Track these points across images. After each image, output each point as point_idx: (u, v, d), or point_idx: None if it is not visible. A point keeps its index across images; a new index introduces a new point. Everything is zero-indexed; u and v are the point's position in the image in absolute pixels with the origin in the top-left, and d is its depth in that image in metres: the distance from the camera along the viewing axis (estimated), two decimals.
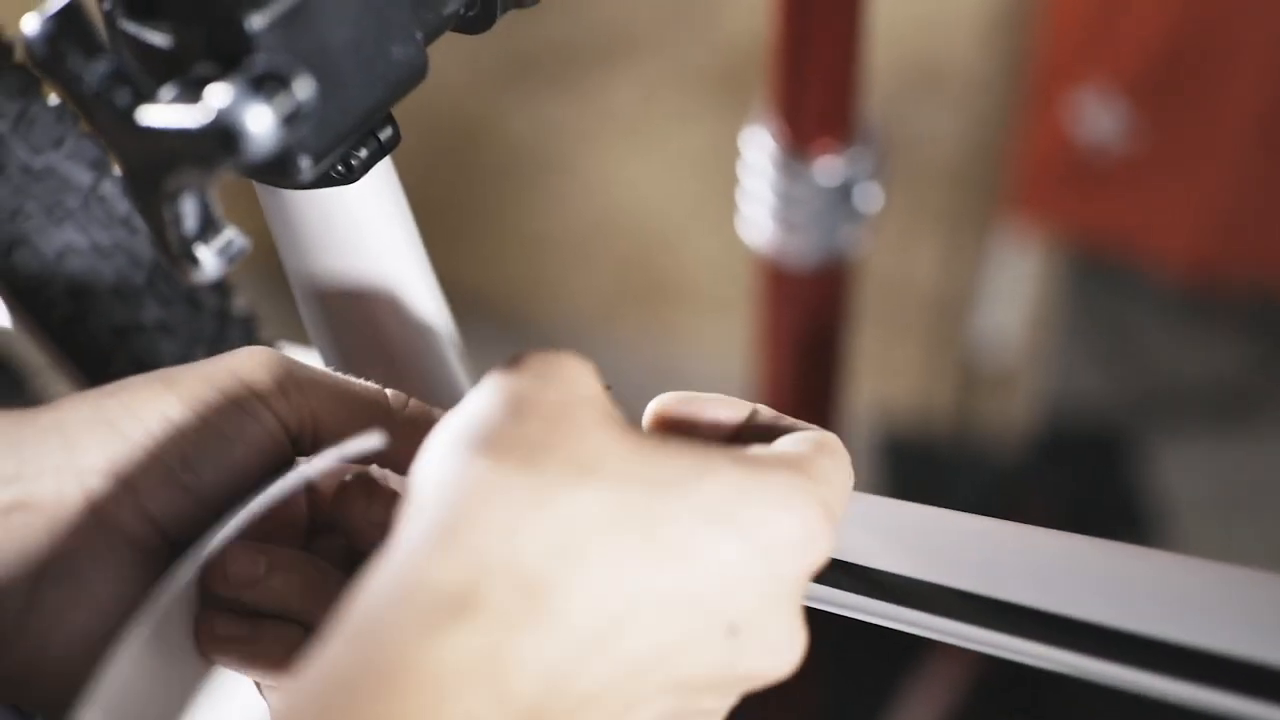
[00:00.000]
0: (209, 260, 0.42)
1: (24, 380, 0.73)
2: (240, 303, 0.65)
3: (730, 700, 0.43)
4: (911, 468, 1.88)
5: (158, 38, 0.42)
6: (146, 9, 0.42)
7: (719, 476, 0.41)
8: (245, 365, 0.46)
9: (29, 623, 0.43)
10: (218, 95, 0.38)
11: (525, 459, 0.39)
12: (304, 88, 0.39)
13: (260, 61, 0.39)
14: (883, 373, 1.88)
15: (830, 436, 0.45)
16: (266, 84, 0.39)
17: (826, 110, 0.78)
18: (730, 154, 0.95)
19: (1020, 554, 0.48)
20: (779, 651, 0.42)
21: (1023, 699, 1.64)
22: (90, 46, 0.40)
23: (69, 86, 0.40)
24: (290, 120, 0.39)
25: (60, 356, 0.60)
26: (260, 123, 0.38)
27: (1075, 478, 1.86)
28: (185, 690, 0.46)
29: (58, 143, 0.58)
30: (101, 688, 0.39)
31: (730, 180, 0.88)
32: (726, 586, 0.40)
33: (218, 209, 0.42)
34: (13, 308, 0.60)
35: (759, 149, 0.81)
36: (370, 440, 0.45)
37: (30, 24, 0.40)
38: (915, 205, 1.72)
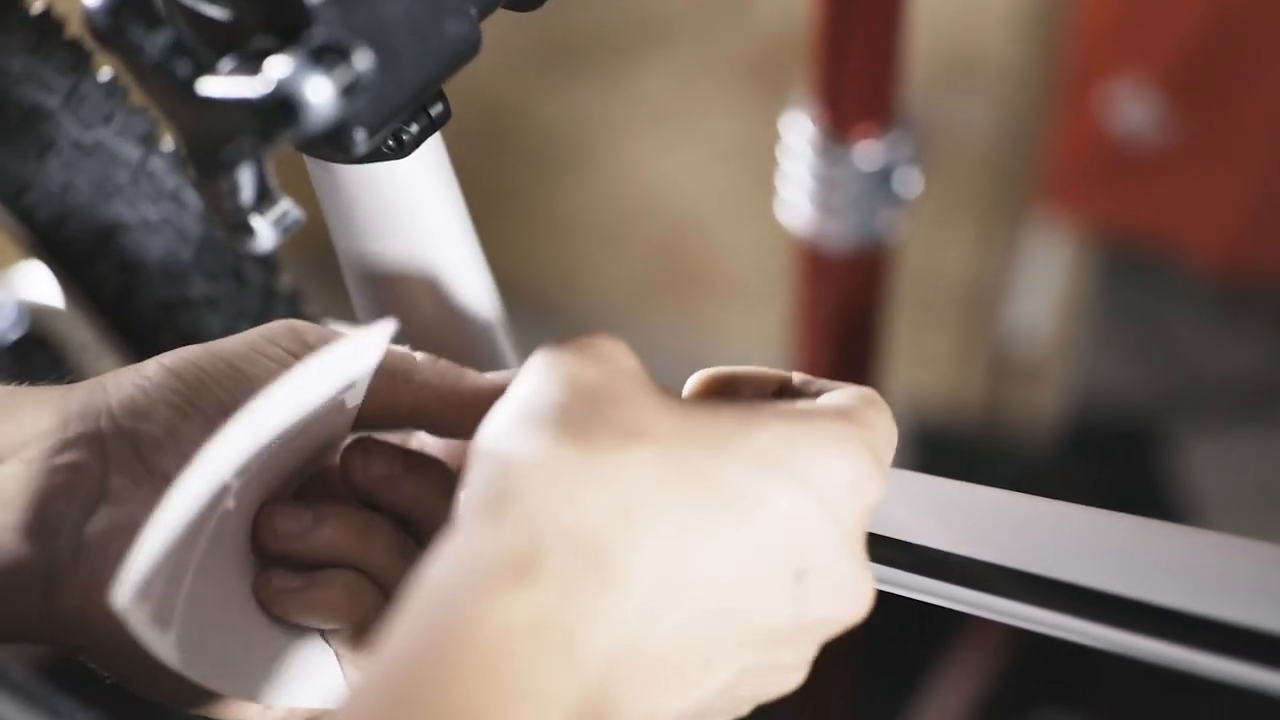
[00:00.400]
0: (264, 230, 0.43)
1: (63, 358, 0.74)
2: (285, 279, 0.65)
3: (808, 651, 0.44)
4: (941, 458, 1.88)
5: (216, 10, 0.42)
6: None
7: (767, 428, 0.42)
8: (278, 331, 0.48)
9: (80, 561, 0.43)
10: (278, 67, 0.39)
11: (577, 430, 0.40)
12: (363, 60, 0.40)
13: (319, 34, 0.40)
14: (914, 361, 1.88)
15: (870, 390, 0.46)
16: (326, 56, 0.39)
17: (867, 95, 0.78)
18: (763, 143, 0.95)
19: (1053, 529, 0.48)
20: (848, 594, 0.43)
21: (1056, 674, 1.64)
22: (150, 18, 0.41)
23: (130, 58, 0.40)
24: (348, 92, 0.39)
25: (108, 332, 0.61)
26: (320, 93, 0.39)
27: (1104, 471, 1.86)
28: (251, 635, 0.46)
29: (107, 118, 0.59)
30: (137, 562, 0.40)
31: (763, 169, 0.88)
32: (787, 533, 0.41)
33: (274, 180, 0.43)
34: (63, 283, 0.60)
35: (799, 133, 0.81)
36: (385, 328, 0.45)
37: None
38: (949, 195, 1.72)
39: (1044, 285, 1.73)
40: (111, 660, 0.45)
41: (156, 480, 0.44)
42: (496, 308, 0.55)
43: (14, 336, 0.76)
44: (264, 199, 0.42)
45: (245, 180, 0.42)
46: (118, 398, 0.45)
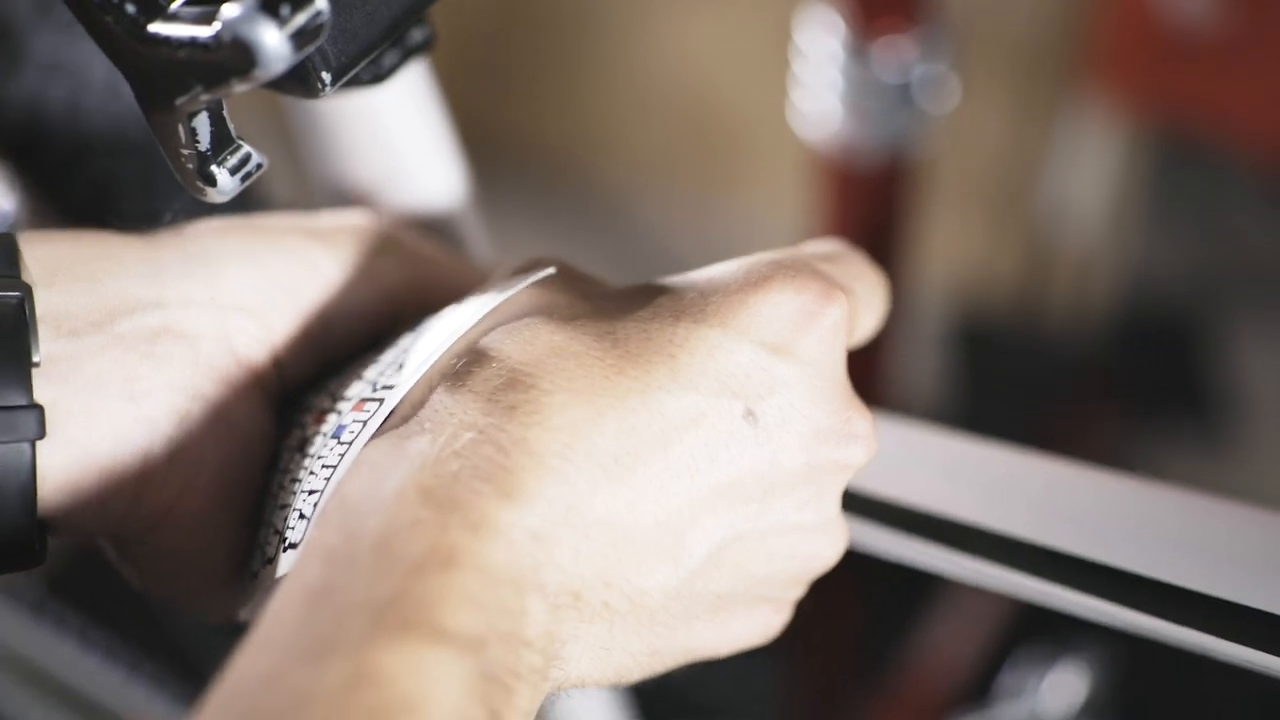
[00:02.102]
0: (225, 180, 0.40)
1: None
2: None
3: (814, 506, 0.42)
4: (980, 351, 1.85)
5: None
6: None
7: (690, 285, 0.41)
8: (375, 225, 0.46)
9: (171, 461, 0.41)
10: (229, 8, 0.36)
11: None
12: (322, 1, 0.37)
13: None
14: (950, 252, 1.85)
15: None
16: None
17: None
18: (792, 12, 0.91)
19: (1034, 486, 0.46)
20: (824, 428, 0.41)
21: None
22: None
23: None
24: (306, 35, 0.36)
25: None
26: (274, 37, 0.36)
27: (1150, 364, 1.83)
28: None
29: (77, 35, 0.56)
30: None
31: (788, 34, 0.84)
32: (724, 377, 0.39)
33: (232, 126, 0.40)
34: (37, 200, 0.58)
35: (824, 33, 0.77)
36: (545, 272, 0.43)
37: None
38: (986, 72, 1.67)
39: (1085, 169, 1.69)
40: (164, 568, 0.44)
41: (246, 376, 0.43)
42: (482, 239, 0.52)
43: None
44: (222, 145, 0.40)
45: (201, 127, 0.39)
46: (232, 299, 0.43)
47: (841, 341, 0.41)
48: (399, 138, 0.48)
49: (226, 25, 0.35)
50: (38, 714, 0.84)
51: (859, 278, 0.44)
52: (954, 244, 1.85)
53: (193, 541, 0.42)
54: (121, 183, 0.57)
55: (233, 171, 0.40)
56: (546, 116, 2.07)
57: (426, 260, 0.46)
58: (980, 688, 0.79)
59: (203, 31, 0.36)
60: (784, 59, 0.85)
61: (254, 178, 0.41)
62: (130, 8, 0.37)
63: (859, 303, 0.43)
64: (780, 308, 0.40)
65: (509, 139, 2.10)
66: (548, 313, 0.40)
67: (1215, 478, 1.72)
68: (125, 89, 0.56)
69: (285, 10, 0.36)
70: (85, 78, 0.56)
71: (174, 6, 0.37)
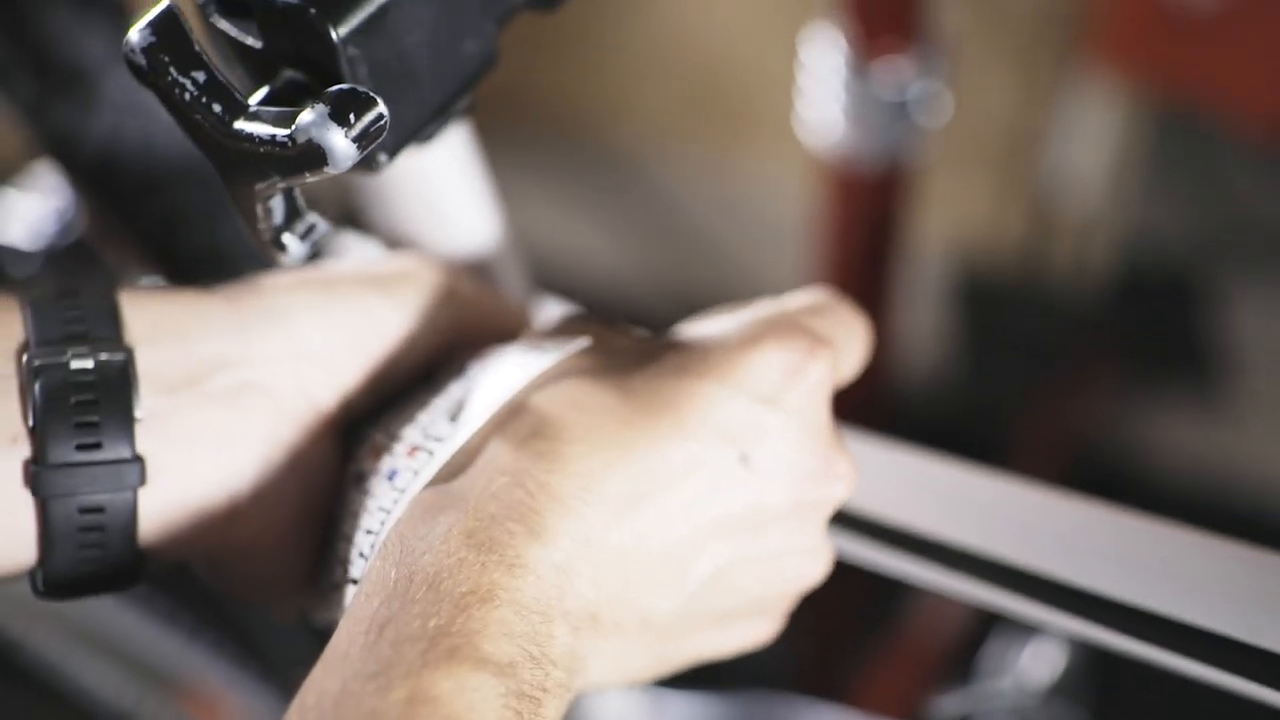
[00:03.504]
0: (295, 246, 0.46)
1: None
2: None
3: (804, 533, 0.48)
4: (981, 309, 1.89)
5: (249, 39, 0.45)
6: (239, 8, 0.45)
7: (688, 343, 0.48)
8: (429, 271, 0.51)
9: (254, 502, 0.47)
10: (305, 115, 0.41)
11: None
12: (380, 110, 0.42)
13: (340, 85, 0.42)
14: (954, 213, 1.88)
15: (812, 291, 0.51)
16: (345, 108, 0.41)
17: (897, 11, 0.78)
18: None
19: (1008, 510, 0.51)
20: (809, 470, 0.47)
21: None
22: (186, 57, 0.43)
23: (166, 95, 0.43)
24: (369, 135, 0.42)
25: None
26: (342, 143, 0.41)
27: (1148, 322, 1.86)
28: None
29: None
30: None
31: (805, 6, 0.88)
32: (722, 426, 0.45)
33: (301, 201, 0.46)
34: (114, 230, 0.64)
35: (826, 49, 0.82)
36: (580, 343, 0.49)
37: (132, 35, 0.43)
38: (991, 39, 1.69)
39: (1088, 136, 1.72)
40: (247, 586, 0.50)
41: (318, 419, 0.48)
42: (526, 283, 0.58)
43: (66, 242, 0.80)
44: (293, 218, 0.46)
45: (276, 205, 0.45)
46: (306, 350, 0.48)
47: (825, 391, 0.48)
48: (443, 187, 0.54)
49: (301, 129, 0.41)
50: (102, 679, 0.91)
51: (842, 325, 0.50)
52: (960, 208, 1.88)
53: (272, 564, 0.49)
54: (190, 214, 0.63)
55: (301, 238, 0.46)
56: (563, 80, 2.08)
57: (473, 303, 0.52)
58: (964, 658, 0.85)
59: (281, 132, 0.42)
60: (798, 23, 0.89)
61: (319, 240, 0.47)
62: (217, 107, 0.43)
63: (842, 350, 0.49)
64: (770, 364, 0.46)
65: (527, 102, 2.13)
66: (577, 369, 0.47)
67: (1210, 436, 1.76)
68: None
69: (352, 117, 0.41)
70: (156, 116, 0.61)
71: (254, 105, 0.43)
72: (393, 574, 0.41)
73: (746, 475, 0.46)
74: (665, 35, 1.95)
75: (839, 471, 0.48)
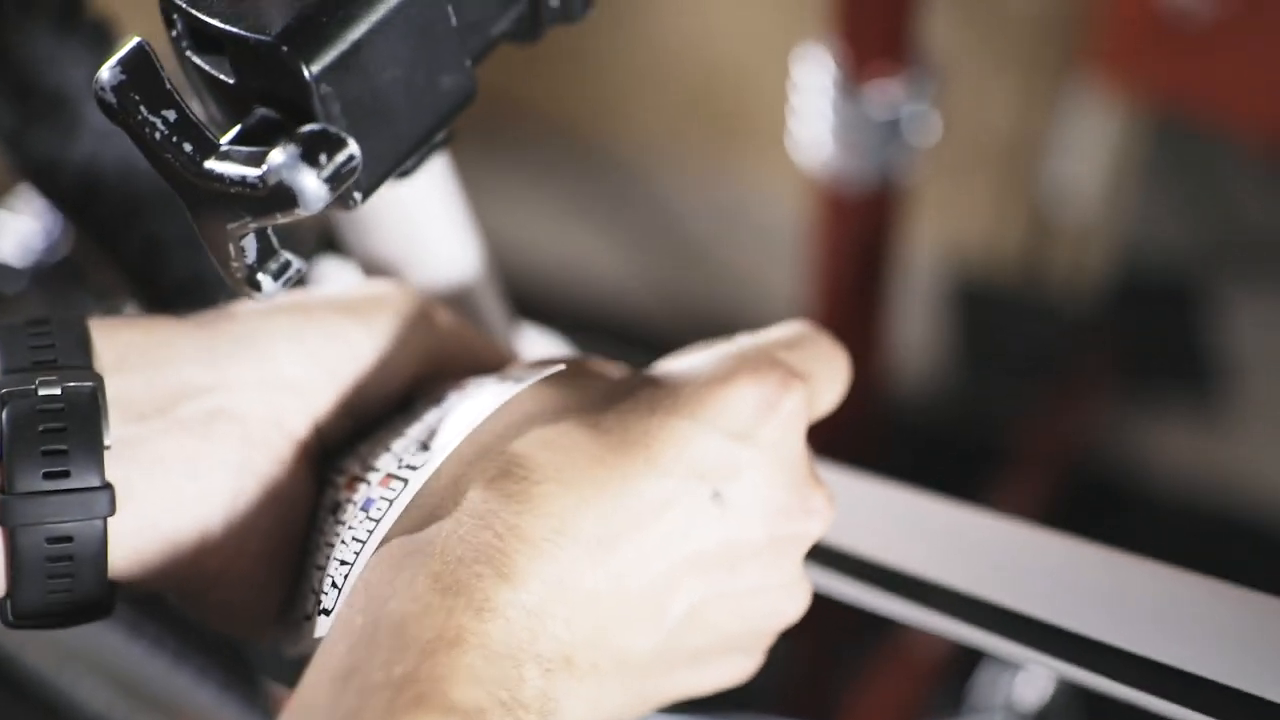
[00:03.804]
0: (268, 285, 0.46)
1: None
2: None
3: (781, 568, 0.47)
4: (979, 315, 1.89)
5: (222, 75, 0.45)
6: (213, 44, 0.45)
7: (661, 377, 0.47)
8: (405, 299, 0.51)
9: (226, 530, 0.47)
10: (275, 156, 0.41)
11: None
12: (352, 150, 0.42)
13: (312, 125, 0.42)
14: (953, 219, 1.88)
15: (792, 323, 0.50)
16: (316, 149, 0.41)
17: (887, 35, 0.78)
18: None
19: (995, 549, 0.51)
20: (785, 506, 0.47)
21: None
22: (157, 96, 0.43)
23: (138, 133, 0.43)
24: (341, 176, 0.42)
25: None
26: (310, 187, 0.41)
27: (1146, 329, 1.86)
28: None
29: None
30: None
31: (802, 15, 0.88)
32: (695, 463, 0.45)
33: (274, 240, 0.45)
34: (93, 257, 0.64)
35: (817, 71, 0.82)
36: (555, 368, 0.48)
37: (103, 72, 0.43)
38: (992, 48, 1.69)
39: (1087, 145, 1.72)
40: (220, 614, 0.50)
41: (290, 446, 0.48)
42: (504, 313, 0.58)
43: (54, 259, 0.80)
44: (266, 256, 0.45)
45: (249, 244, 0.45)
46: (279, 377, 0.48)
47: (799, 426, 0.47)
48: (421, 218, 0.54)
49: (272, 170, 0.41)
50: (92, 695, 0.91)
51: (819, 359, 0.49)
52: (960, 216, 1.88)
53: (245, 594, 0.48)
54: (171, 240, 0.62)
55: (274, 277, 0.46)
56: (561, 90, 2.08)
57: (449, 331, 0.52)
58: (956, 681, 0.84)
59: (251, 173, 0.41)
60: (797, 35, 0.89)
61: (293, 281, 0.47)
62: (187, 146, 0.43)
63: (819, 383, 0.49)
64: (743, 399, 0.46)
65: (524, 112, 2.13)
66: (550, 407, 0.46)
67: (1207, 443, 1.76)
68: None
69: (323, 158, 0.41)
70: None
71: (224, 145, 0.43)
72: (359, 620, 0.41)
73: (721, 512, 0.45)
74: (664, 46, 1.95)
75: (814, 507, 0.47)
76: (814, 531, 0.48)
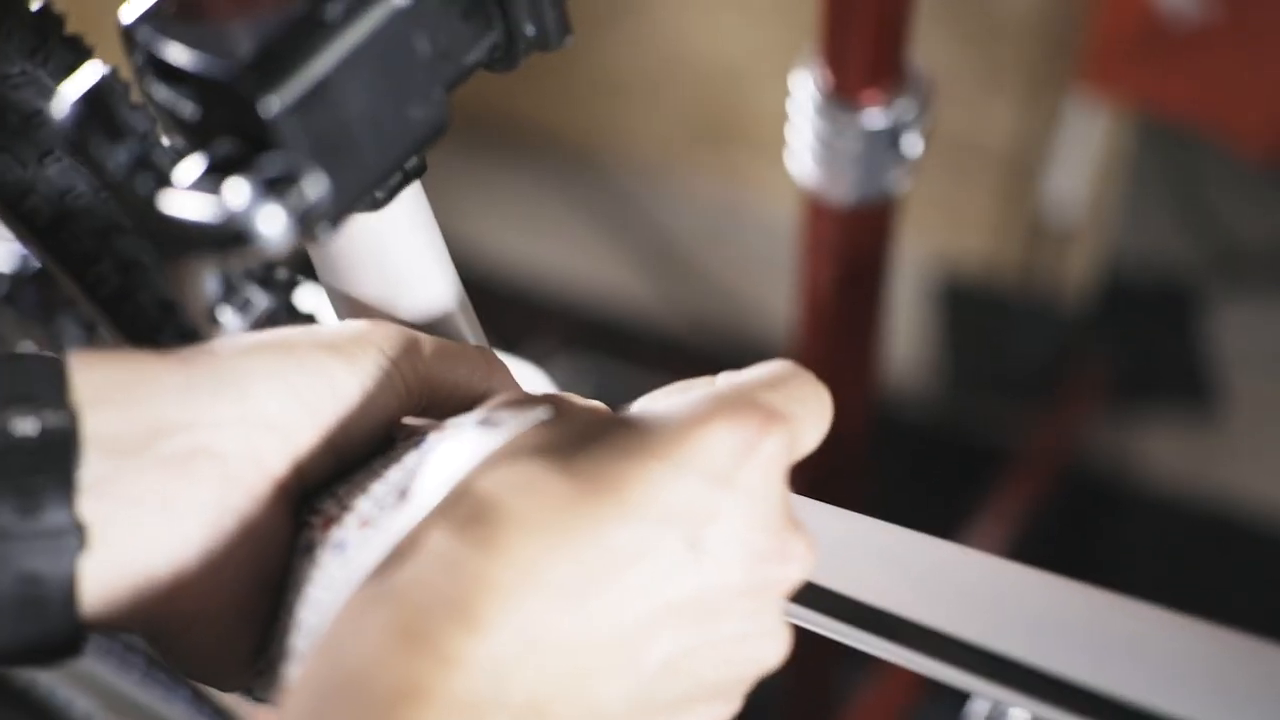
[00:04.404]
0: (231, 321, 0.45)
1: None
2: (282, 270, 0.67)
3: (760, 617, 0.46)
4: (975, 320, 1.89)
5: (184, 108, 0.44)
6: (176, 74, 0.44)
7: (636, 420, 0.45)
8: (388, 336, 0.50)
9: (202, 570, 0.46)
10: (232, 194, 0.40)
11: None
12: (315, 185, 0.41)
13: (274, 160, 0.41)
14: (951, 226, 1.88)
15: (774, 363, 0.49)
16: (278, 185, 0.40)
17: (873, 60, 0.77)
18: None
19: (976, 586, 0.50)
20: (765, 551, 0.45)
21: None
22: (114, 131, 0.42)
23: (95, 170, 0.42)
24: (304, 216, 0.41)
25: (110, 327, 0.63)
26: (272, 224, 0.40)
27: (1137, 333, 1.87)
28: None
29: None
30: None
31: (801, 26, 0.88)
32: (670, 509, 0.43)
33: (237, 276, 0.44)
34: (66, 281, 0.63)
35: (805, 94, 0.82)
36: (537, 415, 0.47)
37: (59, 107, 0.42)
38: (992, 61, 1.69)
39: (1082, 155, 1.72)
40: (194, 659, 0.49)
41: (269, 485, 0.47)
42: (481, 342, 0.57)
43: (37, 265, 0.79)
44: (229, 293, 0.44)
45: (210, 281, 0.44)
46: (259, 415, 0.47)
47: (779, 468, 0.46)
48: (393, 247, 0.53)
49: (231, 207, 0.40)
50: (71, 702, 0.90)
51: (801, 399, 0.48)
52: (957, 224, 1.88)
53: (219, 635, 0.47)
54: (146, 261, 0.61)
55: (238, 311, 0.45)
56: (565, 106, 2.09)
57: (433, 365, 0.51)
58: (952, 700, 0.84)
59: (209, 214, 0.40)
60: (796, 46, 0.89)
61: (257, 315, 0.46)
62: (146, 183, 0.42)
63: (800, 423, 0.47)
64: (721, 441, 0.44)
65: (520, 129, 2.13)
66: (521, 446, 0.45)
67: (1196, 448, 1.77)
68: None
69: (285, 194, 0.40)
70: None
71: (188, 178, 0.42)
72: (324, 672, 0.40)
73: (697, 558, 0.44)
74: (670, 64, 1.95)
75: (794, 552, 0.46)
76: (793, 576, 0.46)
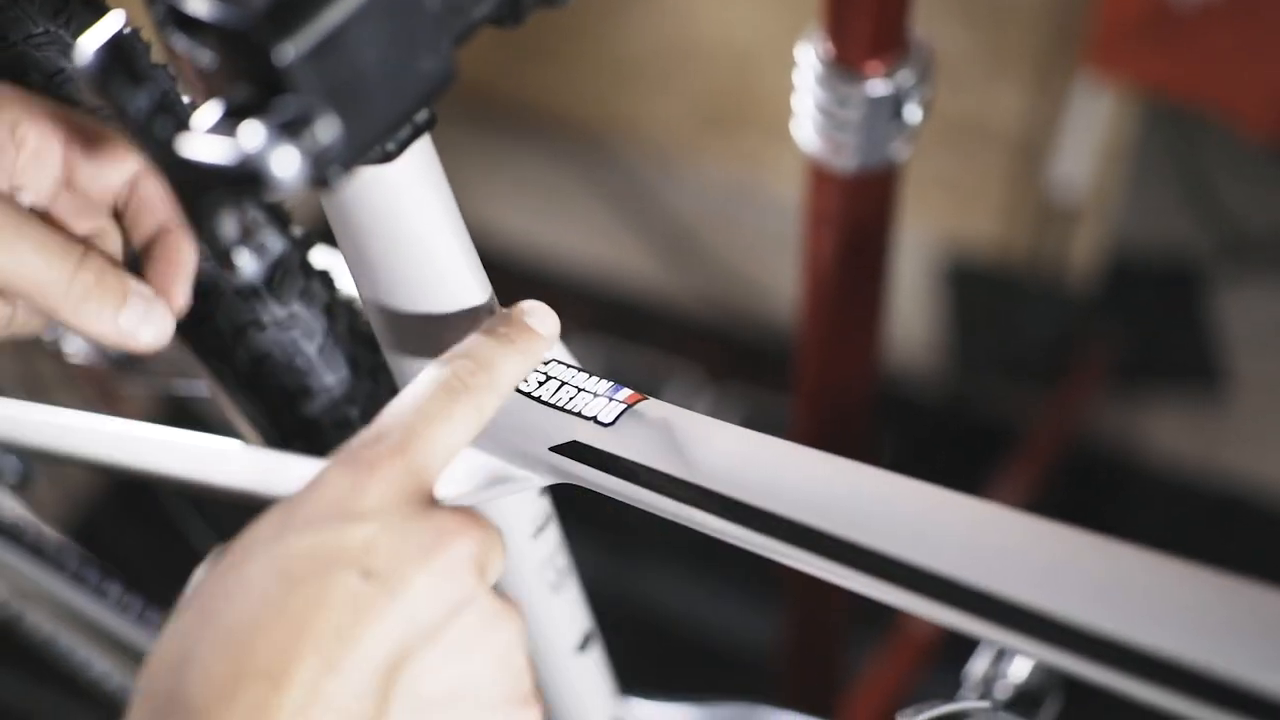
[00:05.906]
0: (247, 263, 0.46)
1: None
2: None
3: (443, 613, 0.46)
4: (982, 301, 1.90)
5: (202, 56, 0.45)
6: (194, 23, 0.45)
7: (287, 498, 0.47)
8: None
9: None
10: (247, 136, 0.42)
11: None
12: (328, 128, 0.43)
13: (288, 104, 0.43)
14: (957, 208, 1.89)
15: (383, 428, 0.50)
16: (292, 127, 0.42)
17: (875, 29, 0.79)
18: None
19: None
20: (410, 550, 0.46)
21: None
22: (135, 77, 0.44)
23: (117, 113, 0.44)
24: (316, 158, 0.42)
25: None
26: (287, 164, 0.42)
27: (1143, 314, 1.88)
28: None
29: None
30: None
31: (813, 12, 0.89)
32: (319, 560, 0.45)
33: (252, 218, 0.46)
34: None
35: (808, 63, 0.83)
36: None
37: (82, 52, 0.44)
38: (1001, 45, 1.70)
39: (1088, 137, 1.73)
40: None
41: None
42: (491, 303, 0.58)
43: None
44: (245, 235, 0.46)
45: (227, 223, 0.45)
46: None
47: (403, 484, 0.47)
48: (404, 201, 0.54)
49: (248, 150, 0.42)
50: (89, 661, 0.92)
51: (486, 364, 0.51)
52: (967, 200, 1.89)
53: None
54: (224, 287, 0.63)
55: (254, 253, 0.47)
56: (578, 90, 2.10)
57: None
58: (951, 668, 0.85)
59: (225, 156, 0.42)
60: (803, 27, 0.90)
61: (272, 259, 0.47)
62: (165, 126, 0.44)
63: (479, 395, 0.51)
64: (330, 487, 0.47)
65: (534, 112, 2.14)
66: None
67: (1201, 424, 1.78)
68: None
69: (300, 138, 0.42)
70: None
71: (206, 123, 0.43)
72: None
73: (377, 587, 0.45)
74: (681, 48, 1.96)
75: (451, 528, 0.47)
76: (470, 548, 0.47)
